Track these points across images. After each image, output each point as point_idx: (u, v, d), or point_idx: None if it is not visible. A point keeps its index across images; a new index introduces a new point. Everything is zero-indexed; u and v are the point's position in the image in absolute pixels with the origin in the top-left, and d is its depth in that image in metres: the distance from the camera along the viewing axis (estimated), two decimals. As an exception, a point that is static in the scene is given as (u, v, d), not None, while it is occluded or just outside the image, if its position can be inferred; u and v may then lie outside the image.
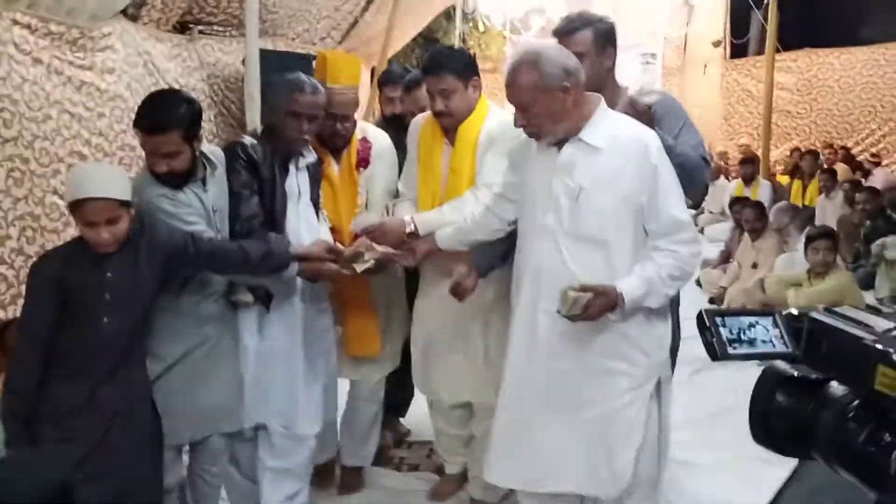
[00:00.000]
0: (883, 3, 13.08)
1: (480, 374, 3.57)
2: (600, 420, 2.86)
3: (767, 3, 11.38)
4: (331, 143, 3.69)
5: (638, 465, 2.87)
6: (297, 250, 3.26)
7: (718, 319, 1.70)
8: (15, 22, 3.74)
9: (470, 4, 13.13)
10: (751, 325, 1.72)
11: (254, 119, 4.72)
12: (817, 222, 8.78)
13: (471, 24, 14.26)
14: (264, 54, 5.03)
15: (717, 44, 15.26)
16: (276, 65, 5.48)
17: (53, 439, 2.73)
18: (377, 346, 3.89)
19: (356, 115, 3.81)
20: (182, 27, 6.05)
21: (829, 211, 9.33)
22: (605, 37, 3.27)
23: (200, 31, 6.15)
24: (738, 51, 15.86)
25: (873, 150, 13.70)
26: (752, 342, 1.71)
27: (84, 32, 4.25)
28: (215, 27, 6.44)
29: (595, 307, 2.69)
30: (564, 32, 3.24)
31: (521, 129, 3.17)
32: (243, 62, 5.49)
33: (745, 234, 7.56)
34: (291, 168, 3.43)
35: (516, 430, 2.99)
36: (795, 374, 1.68)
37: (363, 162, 3.79)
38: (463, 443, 3.86)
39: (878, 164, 12.78)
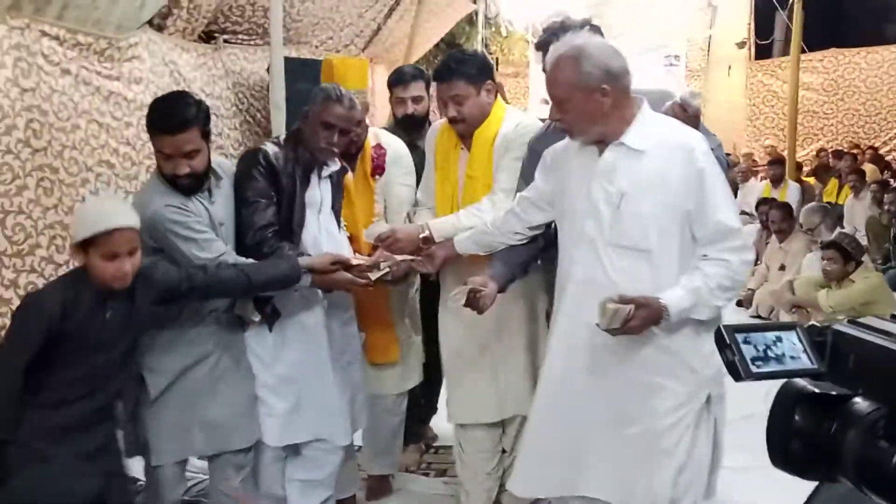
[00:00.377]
0: (909, 1, 12.96)
1: (510, 390, 3.48)
2: (643, 437, 2.72)
3: (792, 4, 11.31)
4: (344, 150, 3.52)
5: (678, 486, 2.72)
6: (304, 262, 3.14)
7: (740, 336, 1.58)
8: (43, 33, 3.79)
9: (492, 9, 13.13)
10: (776, 341, 1.59)
11: (279, 127, 4.74)
12: (845, 223, 8.71)
13: (493, 29, 14.25)
14: (289, 62, 5.05)
15: (741, 45, 15.17)
16: (300, 73, 5.50)
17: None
18: (396, 353, 3.85)
19: (369, 120, 3.75)
20: (207, 36, 6.09)
21: (857, 211, 9.25)
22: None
23: (226, 41, 6.19)
24: (763, 52, 15.76)
25: (902, 149, 13.57)
26: (779, 359, 1.59)
27: (111, 43, 4.30)
28: (240, 36, 6.49)
29: (637, 320, 2.55)
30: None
31: (537, 132, 3.20)
32: (268, 70, 5.53)
33: (773, 236, 7.50)
34: (314, 178, 3.33)
35: (551, 443, 2.87)
36: (815, 390, 1.54)
37: (378, 169, 3.72)
38: (490, 473, 3.65)
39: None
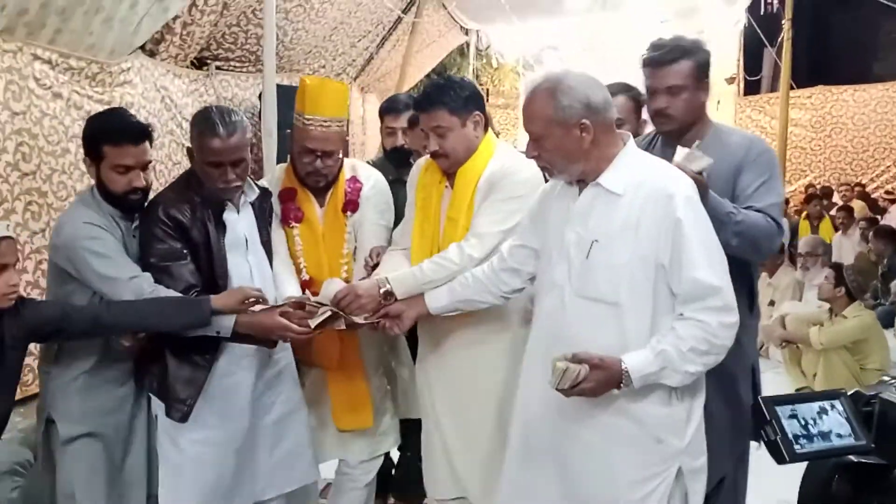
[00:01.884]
0: (896, 40, 13.12)
1: (468, 469, 3.08)
2: None
3: (781, 41, 11.43)
4: (310, 182, 3.22)
5: None
6: (214, 302, 2.78)
7: (781, 410, 1.47)
8: (35, 57, 3.77)
9: (484, 41, 13.20)
10: (821, 414, 1.46)
11: (270, 154, 4.73)
12: (833, 259, 8.74)
13: (484, 61, 14.34)
14: (281, 90, 5.05)
15: (730, 80, 15.30)
16: (292, 100, 5.49)
17: None
18: (368, 417, 3.36)
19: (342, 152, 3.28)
20: (200, 63, 6.09)
21: (845, 248, 9.28)
22: (705, 68, 2.93)
23: (218, 67, 6.19)
24: (752, 88, 15.90)
25: (888, 186, 13.66)
26: (824, 435, 1.45)
27: (103, 67, 4.28)
28: (233, 63, 6.49)
29: (591, 382, 2.31)
30: (659, 63, 2.91)
31: (527, 173, 2.94)
32: (260, 97, 5.52)
33: (763, 272, 7.52)
34: (230, 216, 3.01)
35: None
36: (854, 459, 1.46)
37: (351, 204, 3.31)
38: None
39: (893, 202, 12.72)
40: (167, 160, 5.30)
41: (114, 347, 2.90)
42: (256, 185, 3.12)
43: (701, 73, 2.91)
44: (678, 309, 2.37)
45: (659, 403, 2.41)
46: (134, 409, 3.03)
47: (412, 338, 3.36)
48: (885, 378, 1.48)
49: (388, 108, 4.08)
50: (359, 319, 2.95)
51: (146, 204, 2.96)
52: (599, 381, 2.32)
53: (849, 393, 1.44)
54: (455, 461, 3.13)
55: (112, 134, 2.83)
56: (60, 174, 4.21)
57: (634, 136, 3.21)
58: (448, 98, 2.98)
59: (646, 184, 2.41)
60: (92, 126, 2.93)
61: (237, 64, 6.51)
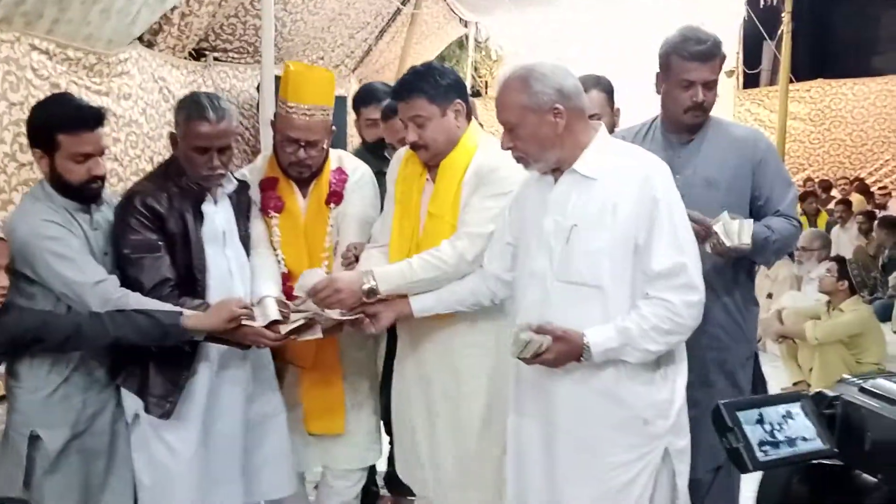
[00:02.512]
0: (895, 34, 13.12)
1: (469, 471, 2.93)
2: (598, 500, 2.44)
3: (781, 34, 11.40)
4: (293, 172, 3.11)
5: None
6: (189, 323, 2.63)
7: (744, 415, 1.35)
8: (33, 47, 3.76)
9: (483, 33, 13.18)
10: (786, 418, 1.35)
11: (268, 145, 4.71)
12: (832, 253, 8.75)
13: (483, 53, 14.32)
14: (279, 81, 5.04)
15: (729, 74, 15.26)
16: (290, 91, 5.50)
17: None
18: (340, 423, 3.23)
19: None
20: (198, 54, 6.08)
21: (843, 242, 9.29)
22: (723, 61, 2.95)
23: (216, 58, 6.18)
24: (751, 81, 15.88)
25: (887, 180, 13.67)
26: (790, 441, 1.33)
27: (101, 58, 4.27)
28: (231, 54, 6.47)
29: (552, 353, 2.35)
30: (707, 56, 2.89)
31: (517, 167, 2.76)
32: (258, 88, 5.51)
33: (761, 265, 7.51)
34: (208, 208, 2.92)
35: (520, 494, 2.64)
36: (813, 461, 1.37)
37: (335, 196, 3.19)
38: None
39: (889, 196, 12.73)
40: (165, 151, 5.28)
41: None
42: (234, 177, 3.04)
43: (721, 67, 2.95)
44: (645, 288, 2.39)
45: (643, 384, 2.43)
46: (116, 413, 2.88)
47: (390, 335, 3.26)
48: (846, 376, 1.45)
49: (367, 99, 3.93)
50: (333, 314, 2.82)
51: (124, 194, 2.87)
52: (560, 353, 2.36)
53: (810, 394, 1.40)
54: (429, 463, 3.02)
55: (67, 121, 2.66)
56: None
57: (610, 129, 3.20)
58: (427, 86, 2.83)
59: (621, 167, 2.43)
60: (41, 114, 2.74)
61: (235, 55, 6.50)
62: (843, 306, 5.59)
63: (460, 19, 11.44)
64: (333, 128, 3.17)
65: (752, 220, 2.73)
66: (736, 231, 2.72)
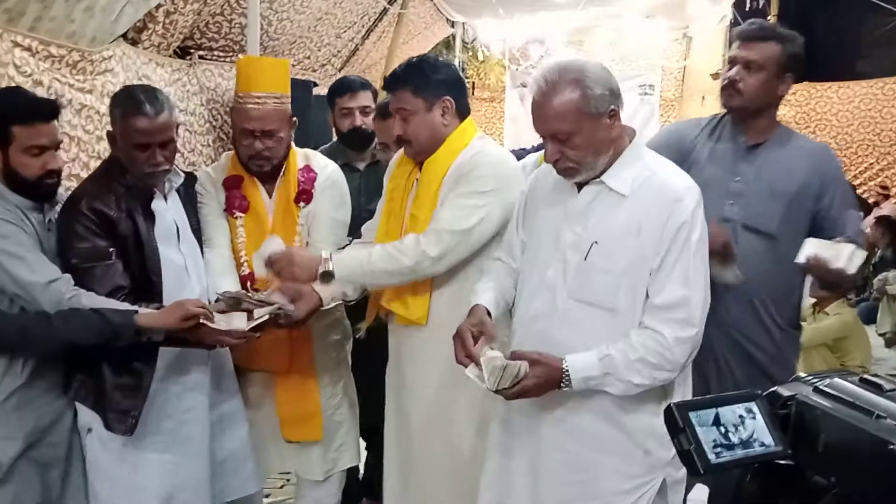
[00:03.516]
0: (881, 38, 13.19)
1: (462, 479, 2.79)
2: None
3: (766, 37, 11.47)
4: (253, 167, 3.03)
5: None
6: (143, 321, 2.52)
7: (697, 416, 1.30)
8: (16, 44, 3.72)
9: (469, 34, 13.19)
10: (742, 418, 1.30)
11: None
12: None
13: (470, 54, 14.32)
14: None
15: (715, 76, 15.29)
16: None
17: None
18: (318, 428, 3.13)
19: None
20: (183, 52, 6.04)
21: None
22: (792, 61, 2.87)
23: (201, 57, 6.13)
24: (737, 83, 15.94)
25: (871, 183, 13.73)
26: (745, 443, 1.29)
27: (84, 56, 4.23)
28: (216, 52, 6.43)
29: (531, 379, 2.21)
30: (748, 36, 2.86)
31: (501, 168, 2.74)
32: (243, 87, 5.46)
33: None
34: (158, 205, 2.82)
35: None
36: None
37: (304, 195, 3.10)
38: None
39: (887, 197, 12.76)
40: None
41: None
42: (180, 169, 2.95)
43: (787, 63, 2.84)
44: (643, 316, 2.27)
45: (650, 414, 2.31)
46: (74, 422, 2.79)
47: (381, 345, 3.13)
48: (801, 375, 1.44)
49: (342, 89, 3.87)
50: (299, 311, 2.72)
51: (66, 199, 2.74)
52: (540, 378, 2.23)
53: (764, 393, 1.37)
54: (413, 483, 2.94)
55: (21, 113, 2.59)
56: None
57: None
58: (414, 78, 2.76)
59: (652, 185, 2.28)
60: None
61: (220, 53, 6.45)
62: (829, 310, 5.62)
63: (447, 19, 11.44)
64: (294, 119, 3.08)
65: (863, 251, 2.59)
66: (847, 256, 2.54)
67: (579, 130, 2.23)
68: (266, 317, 2.68)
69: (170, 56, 5.71)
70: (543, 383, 2.24)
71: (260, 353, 3.02)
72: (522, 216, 2.58)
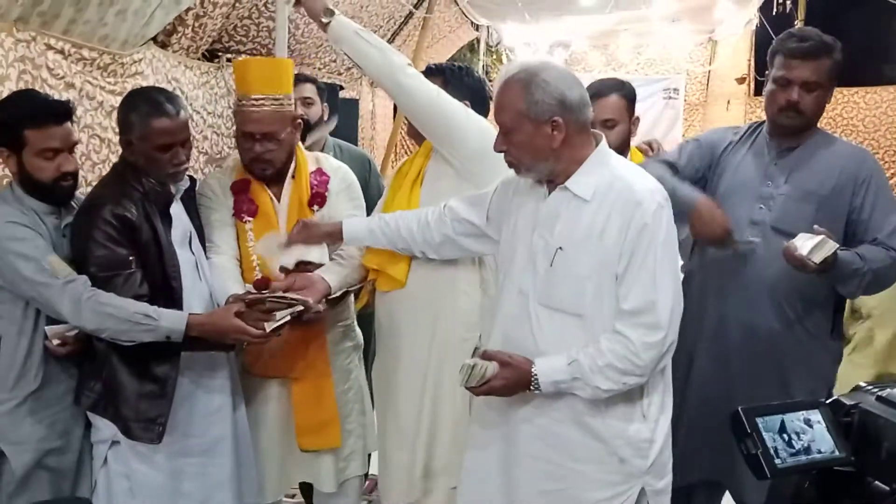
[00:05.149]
0: (909, 42, 13.10)
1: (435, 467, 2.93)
2: None
3: (792, 41, 11.38)
4: (255, 170, 3.02)
5: None
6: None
7: (761, 421, 1.33)
8: (49, 47, 3.78)
9: (494, 37, 13.18)
10: (805, 425, 1.33)
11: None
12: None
13: (494, 57, 14.32)
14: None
15: (741, 80, 15.25)
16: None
17: None
18: (337, 434, 3.11)
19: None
20: (211, 55, 6.10)
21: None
22: (838, 69, 2.84)
23: (229, 60, 6.20)
24: (762, 87, 15.82)
25: (898, 190, 13.64)
26: (806, 450, 1.32)
27: (115, 58, 4.29)
28: (244, 55, 6.50)
29: (499, 380, 2.27)
30: (805, 55, 2.78)
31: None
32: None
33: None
34: (174, 208, 2.82)
35: None
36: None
37: (318, 198, 3.11)
38: None
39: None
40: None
41: (46, 347, 2.64)
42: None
43: (835, 73, 2.80)
44: (615, 321, 2.28)
45: (622, 420, 2.34)
46: (86, 432, 2.78)
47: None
48: (863, 384, 1.45)
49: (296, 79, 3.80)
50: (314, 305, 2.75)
51: (82, 206, 2.72)
52: (509, 380, 2.28)
53: (828, 402, 1.41)
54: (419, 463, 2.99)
55: (33, 116, 2.59)
56: (72, 164, 4.22)
57: (626, 137, 3.17)
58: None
59: (614, 189, 2.30)
60: (6, 111, 2.64)
61: (248, 56, 6.51)
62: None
63: (472, 23, 11.45)
64: (298, 121, 3.07)
65: (834, 245, 2.56)
66: (812, 245, 2.55)
67: (517, 129, 2.31)
68: (287, 318, 2.71)
69: (198, 59, 5.77)
70: (512, 385, 2.30)
71: (275, 359, 3.03)
72: (493, 202, 2.64)
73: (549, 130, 2.29)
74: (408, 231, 2.78)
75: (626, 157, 3.54)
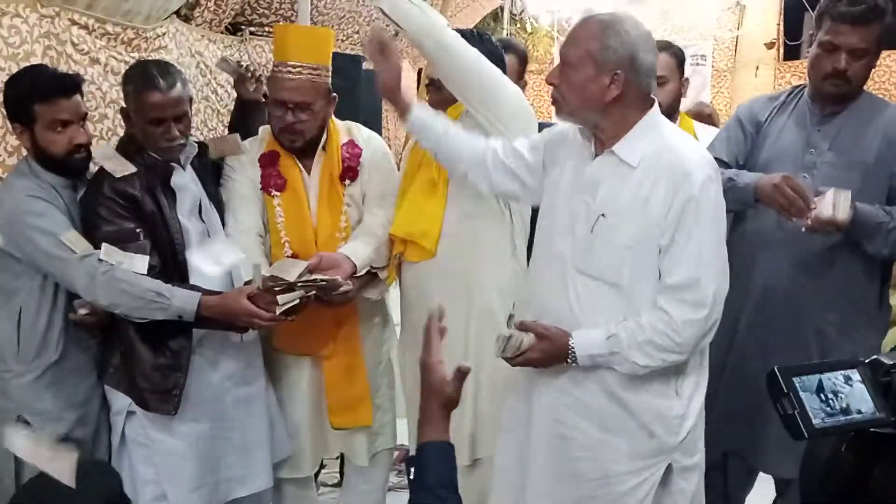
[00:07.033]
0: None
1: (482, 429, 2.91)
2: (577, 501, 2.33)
3: (822, 4, 11.19)
4: (284, 141, 2.95)
5: None
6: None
7: (798, 381, 1.28)
8: (73, 22, 3.79)
9: (518, 5, 13.07)
10: (843, 384, 1.29)
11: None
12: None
13: (518, 25, 14.21)
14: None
15: (769, 45, 15.02)
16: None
17: None
18: (368, 413, 3.10)
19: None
20: (234, 28, 6.09)
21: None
22: (884, 34, 2.71)
23: (252, 33, 6.19)
24: (792, 52, 15.58)
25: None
26: (845, 410, 1.28)
27: (139, 33, 4.29)
28: (267, 28, 6.48)
29: (536, 352, 2.25)
30: (855, 20, 2.65)
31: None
32: (294, 63, 5.48)
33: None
34: (179, 180, 2.80)
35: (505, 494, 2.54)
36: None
37: (350, 172, 3.03)
38: None
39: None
40: (202, 126, 5.32)
41: (72, 319, 2.69)
42: (193, 141, 2.94)
43: (883, 37, 2.69)
44: (658, 295, 2.24)
45: (655, 395, 2.31)
46: (103, 402, 2.83)
47: None
48: None
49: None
50: (344, 283, 2.73)
51: (89, 181, 2.75)
52: (545, 352, 2.26)
53: (867, 361, 1.35)
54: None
55: (40, 90, 2.63)
56: (98, 140, 4.24)
57: (677, 96, 3.11)
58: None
59: (663, 157, 2.23)
60: (14, 88, 2.70)
61: (271, 30, 6.50)
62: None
63: (495, -8, 11.36)
64: (334, 95, 2.99)
65: (849, 192, 2.48)
66: (831, 202, 2.46)
67: (578, 68, 2.23)
68: (296, 301, 2.68)
69: (221, 32, 5.77)
70: (548, 357, 2.27)
71: (306, 337, 3.01)
72: (543, 148, 2.55)
73: (608, 82, 2.22)
74: (466, 139, 2.67)
75: (675, 120, 3.50)
